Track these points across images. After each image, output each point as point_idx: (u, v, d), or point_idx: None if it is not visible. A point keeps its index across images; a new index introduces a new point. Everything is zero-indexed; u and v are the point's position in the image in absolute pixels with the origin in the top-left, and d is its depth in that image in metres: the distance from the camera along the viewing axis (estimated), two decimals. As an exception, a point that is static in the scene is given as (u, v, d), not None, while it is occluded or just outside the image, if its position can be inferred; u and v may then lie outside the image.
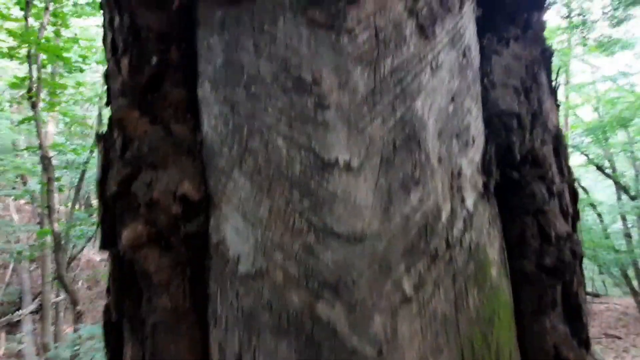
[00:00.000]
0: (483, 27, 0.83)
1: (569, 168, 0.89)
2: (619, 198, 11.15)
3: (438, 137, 0.60)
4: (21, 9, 5.52)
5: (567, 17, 6.40)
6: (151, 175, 0.64)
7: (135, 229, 0.64)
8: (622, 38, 7.19)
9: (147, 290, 0.63)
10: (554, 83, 0.92)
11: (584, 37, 6.75)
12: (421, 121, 0.58)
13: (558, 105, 0.92)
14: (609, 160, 10.86)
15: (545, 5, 0.87)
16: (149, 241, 0.63)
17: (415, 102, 0.58)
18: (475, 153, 0.66)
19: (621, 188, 10.87)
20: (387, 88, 0.57)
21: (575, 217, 0.88)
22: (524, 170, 0.77)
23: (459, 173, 0.61)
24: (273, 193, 0.57)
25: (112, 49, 0.73)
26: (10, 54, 5.84)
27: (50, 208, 6.50)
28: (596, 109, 10.99)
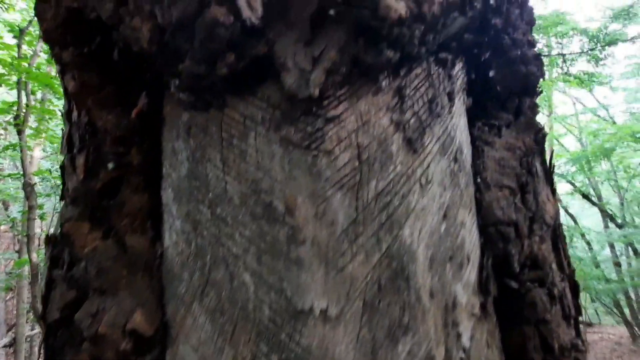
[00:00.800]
0: (473, 114, 0.78)
1: (568, 261, 0.83)
2: (605, 226, 11.31)
3: (429, 266, 0.52)
4: (14, 36, 5.47)
5: (547, 55, 6.63)
6: (98, 304, 0.55)
7: (76, 367, 0.54)
8: (600, 73, 7.46)
9: None
10: (548, 167, 0.87)
11: (564, 72, 6.98)
12: (410, 251, 0.51)
13: (554, 190, 0.87)
14: (594, 189, 11.08)
15: (536, 91, 0.83)
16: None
17: (403, 229, 0.51)
18: (471, 272, 0.59)
19: (607, 216, 11.03)
20: (370, 217, 0.50)
21: (578, 314, 0.81)
22: (523, 276, 0.70)
23: (453, 304, 0.54)
24: (237, 341, 0.48)
25: (68, 145, 0.66)
26: (0, 81, 5.75)
27: (29, 237, 6.24)
28: (579, 140, 11.29)
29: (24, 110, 5.48)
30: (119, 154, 0.60)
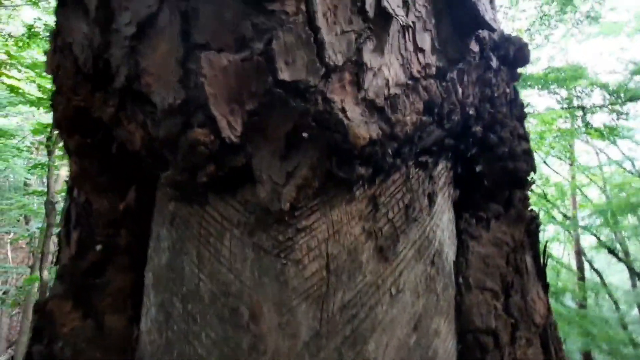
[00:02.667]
0: (460, 205, 0.79)
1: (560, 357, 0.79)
2: (633, 284, 10.60)
3: (394, 383, 0.51)
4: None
5: (568, 108, 6.61)
6: (67, 389, 0.56)
7: None
8: (623, 126, 7.33)
9: None
10: (541, 262, 0.85)
11: (585, 123, 6.90)
12: (373, 368, 0.50)
13: (547, 287, 0.84)
14: (620, 244, 10.53)
15: (527, 183, 0.84)
16: None
17: (367, 344, 0.51)
18: (443, 386, 0.57)
19: (635, 274, 10.37)
20: (334, 330, 0.50)
21: None
22: (505, 385, 0.67)
23: None
24: None
25: (66, 218, 0.70)
26: (38, 104, 6.18)
27: (43, 254, 6.40)
28: (603, 191, 10.90)
29: (56, 132, 5.84)
30: (108, 235, 0.64)
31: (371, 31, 0.52)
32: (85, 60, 0.58)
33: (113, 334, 0.61)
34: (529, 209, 0.87)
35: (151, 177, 0.65)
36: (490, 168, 0.78)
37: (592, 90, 6.91)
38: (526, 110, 0.86)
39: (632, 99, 5.78)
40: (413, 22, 0.57)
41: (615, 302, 10.04)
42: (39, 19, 6.48)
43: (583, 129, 6.84)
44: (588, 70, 6.68)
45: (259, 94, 0.49)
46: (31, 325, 0.67)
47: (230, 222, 0.54)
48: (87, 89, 0.60)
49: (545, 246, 0.88)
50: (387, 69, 0.53)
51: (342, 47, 0.51)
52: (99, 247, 0.63)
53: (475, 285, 0.69)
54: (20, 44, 6.68)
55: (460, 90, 0.62)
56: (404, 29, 0.55)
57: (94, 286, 0.63)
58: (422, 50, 0.57)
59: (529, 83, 6.21)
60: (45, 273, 6.29)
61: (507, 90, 0.76)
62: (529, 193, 0.87)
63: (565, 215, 10.47)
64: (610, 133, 6.40)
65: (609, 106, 5.81)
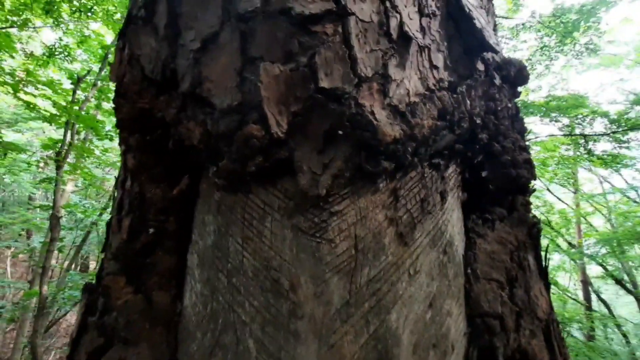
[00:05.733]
0: (468, 207, 0.87)
1: (563, 356, 0.84)
2: (643, 317, 10.31)
3: (413, 352, 0.58)
4: (72, 83, 6.23)
5: (569, 135, 6.75)
6: (120, 352, 0.63)
7: (92, 410, 0.61)
8: (624, 155, 7.42)
9: None
10: (542, 263, 0.93)
11: (587, 151, 7.01)
12: (395, 336, 0.57)
13: (548, 286, 0.91)
14: (628, 274, 10.35)
15: (529, 190, 0.92)
16: None
17: (390, 314, 0.58)
18: (455, 361, 0.64)
19: (645, 306, 10.11)
20: (362, 300, 0.57)
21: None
22: (512, 369, 0.73)
23: (435, 390, 0.58)
24: (236, 402, 0.54)
25: (119, 207, 0.79)
26: (50, 120, 6.39)
27: (44, 268, 6.39)
28: (608, 220, 10.86)
29: (66, 148, 6.01)
30: (159, 221, 0.73)
31: (395, 50, 0.63)
32: (153, 69, 0.69)
33: (159, 309, 0.69)
34: (531, 215, 0.95)
35: (198, 172, 0.74)
36: (494, 174, 0.88)
37: (593, 119, 7.07)
38: (528, 137, 0.95)
39: (632, 128, 5.92)
40: (429, 44, 0.68)
41: (625, 335, 9.76)
42: (61, 39, 6.81)
43: (586, 156, 6.95)
44: (589, 100, 6.87)
45: (303, 98, 0.60)
46: (82, 301, 0.74)
47: (271, 207, 0.63)
48: (152, 94, 0.71)
49: (546, 249, 0.95)
50: (407, 81, 0.64)
51: (371, 62, 0.61)
52: (151, 231, 0.71)
53: (483, 276, 0.76)
54: (40, 62, 6.97)
55: (468, 102, 0.72)
56: (421, 49, 0.66)
57: (144, 265, 0.71)
58: (436, 67, 0.68)
59: (530, 110, 6.39)
60: (45, 288, 6.25)
61: (509, 105, 0.87)
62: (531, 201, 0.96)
63: (570, 244, 10.39)
64: (612, 161, 6.50)
65: (611, 134, 5.95)
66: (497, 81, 0.82)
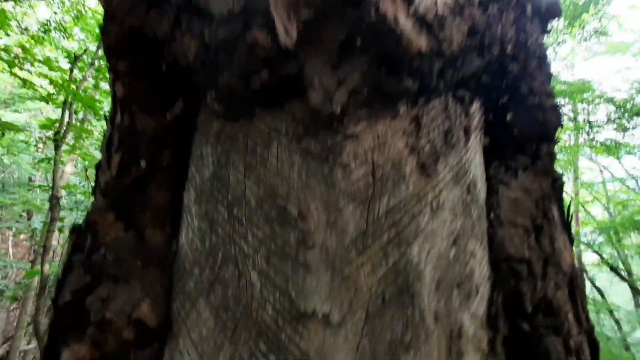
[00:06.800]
0: (490, 154, 0.80)
1: (587, 315, 0.79)
2: (636, 304, 10.45)
3: (436, 288, 0.52)
4: (69, 62, 6.08)
5: (574, 120, 6.66)
6: (109, 290, 0.57)
7: (77, 352, 0.55)
8: (628, 143, 7.35)
9: None
10: (566, 216, 0.86)
11: (590, 139, 6.93)
12: (417, 270, 0.51)
13: (572, 240, 0.85)
14: (623, 262, 10.42)
15: (554, 138, 0.85)
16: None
17: (411, 247, 0.52)
18: (479, 305, 0.58)
19: (638, 293, 10.23)
20: (380, 230, 0.51)
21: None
22: (537, 320, 0.67)
23: (459, 333, 0.52)
24: (236, 339, 0.48)
25: (108, 144, 0.72)
26: (48, 99, 6.27)
27: (45, 248, 6.38)
28: (606, 208, 10.86)
29: (65, 128, 5.91)
30: (152, 153, 0.66)
31: (421, -46, 0.55)
32: (143, -22, 0.60)
33: (153, 248, 0.62)
34: (554, 168, 0.89)
35: (195, 101, 0.67)
36: (519, 118, 0.80)
37: (597, 105, 6.96)
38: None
39: (638, 114, 5.83)
40: (458, -47, 0.59)
41: (617, 322, 9.87)
42: (56, 13, 6.62)
43: (588, 143, 6.87)
44: (594, 87, 6.75)
45: (316, 3, 0.52)
46: (69, 243, 0.68)
47: (277, 131, 0.56)
48: (143, 9, 0.63)
49: (569, 204, 0.89)
50: (435, -10, 0.56)
51: (394, -36, 0.53)
52: (143, 163, 0.64)
53: (507, 221, 0.70)
54: (36, 38, 6.79)
55: (500, 26, 0.65)
56: (450, -44, 0.58)
57: (135, 201, 0.64)
58: (466, -20, 0.60)
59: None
60: (47, 267, 6.26)
61: (539, 41, 0.79)
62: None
63: (568, 231, 10.37)
64: (616, 147, 6.43)
65: (616, 120, 5.86)
66: (528, 11, 0.74)
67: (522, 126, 0.81)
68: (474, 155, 0.69)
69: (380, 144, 0.55)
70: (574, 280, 0.79)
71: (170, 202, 0.66)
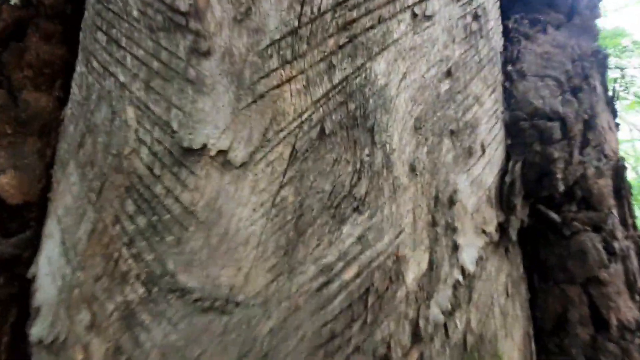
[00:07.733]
0: (509, 7, 0.58)
1: (633, 219, 0.59)
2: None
3: (413, 128, 0.33)
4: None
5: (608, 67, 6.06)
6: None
7: None
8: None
9: None
10: (610, 94, 0.64)
11: (622, 91, 6.36)
12: (382, 95, 0.32)
13: (617, 125, 0.64)
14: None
15: (601, -16, 0.62)
16: None
17: (373, 61, 0.32)
18: (485, 169, 0.39)
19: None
20: (322, 31, 0.32)
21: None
22: (569, 211, 0.48)
23: (450, 199, 0.34)
24: (102, 202, 0.31)
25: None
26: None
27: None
28: (634, 168, 10.25)
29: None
30: (26, -13, 0.47)
31: None
32: None
33: (31, 113, 0.45)
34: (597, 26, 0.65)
35: None
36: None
37: (632, 52, 6.32)
38: None
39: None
40: None
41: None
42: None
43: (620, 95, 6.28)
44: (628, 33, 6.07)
45: None
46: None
47: None
48: None
49: (615, 81, 0.67)
50: None
51: None
52: (14, 1, 0.46)
53: (532, 74, 0.49)
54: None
55: None
56: None
57: (8, 50, 0.46)
58: None
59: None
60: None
61: None
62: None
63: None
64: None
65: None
66: None
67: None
68: None
69: None
70: (620, 172, 0.58)
71: (62, 61, 0.49)
